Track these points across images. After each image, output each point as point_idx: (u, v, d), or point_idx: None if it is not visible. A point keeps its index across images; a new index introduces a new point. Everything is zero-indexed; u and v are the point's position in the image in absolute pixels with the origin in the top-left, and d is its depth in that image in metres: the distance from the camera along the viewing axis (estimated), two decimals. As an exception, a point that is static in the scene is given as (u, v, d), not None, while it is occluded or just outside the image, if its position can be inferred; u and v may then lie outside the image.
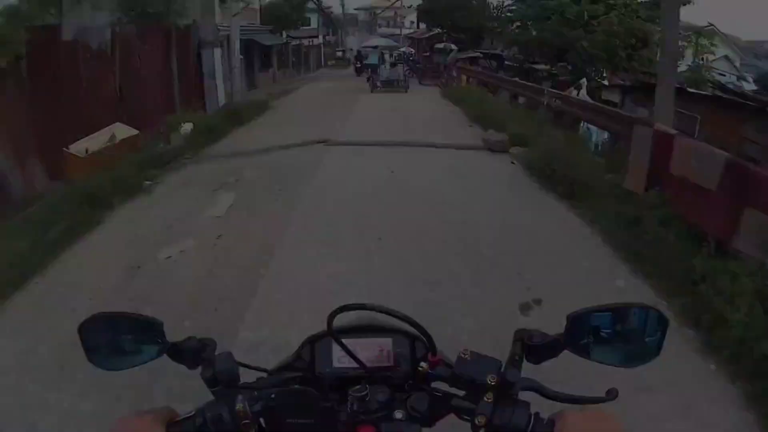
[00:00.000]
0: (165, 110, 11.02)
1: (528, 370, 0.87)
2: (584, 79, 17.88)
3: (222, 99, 14.94)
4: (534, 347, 0.91)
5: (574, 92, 16.76)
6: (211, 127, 10.13)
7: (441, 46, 23.30)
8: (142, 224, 5.49)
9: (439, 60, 23.59)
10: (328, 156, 8.15)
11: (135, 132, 8.72)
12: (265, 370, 1.01)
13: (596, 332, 0.88)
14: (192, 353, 0.94)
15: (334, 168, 7.50)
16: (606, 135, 13.09)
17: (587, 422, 0.78)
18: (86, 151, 7.80)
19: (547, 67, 22.67)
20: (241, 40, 18.27)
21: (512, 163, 7.71)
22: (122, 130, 8.59)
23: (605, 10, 20.62)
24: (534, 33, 20.67)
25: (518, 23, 26.15)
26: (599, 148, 12.99)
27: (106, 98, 9.34)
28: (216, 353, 0.94)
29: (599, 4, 20.78)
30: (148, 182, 7.00)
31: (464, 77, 18.54)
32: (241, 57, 14.87)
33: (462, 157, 8.08)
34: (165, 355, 0.93)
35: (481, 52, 26.32)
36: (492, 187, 6.61)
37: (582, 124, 13.52)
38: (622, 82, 21.10)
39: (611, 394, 0.84)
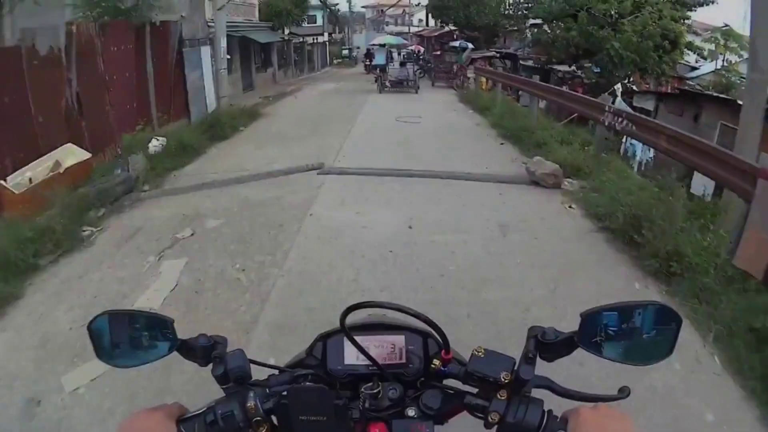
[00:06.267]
0: (137, 121, 9.34)
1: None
2: (618, 85, 16.04)
3: (213, 104, 13.27)
4: (547, 344, 0.88)
5: (609, 100, 14.94)
6: (185, 143, 8.43)
7: (456, 44, 21.22)
8: (58, 317, 3.78)
9: (452, 59, 21.75)
10: (322, 193, 6.11)
11: (86, 155, 7.07)
12: (277, 368, 0.98)
13: (609, 330, 0.86)
14: (203, 351, 0.92)
15: (328, 218, 5.36)
16: (652, 153, 11.28)
17: (600, 420, 0.77)
18: (30, 181, 6.26)
19: (570, 68, 20.90)
20: (233, 37, 16.68)
21: (570, 207, 5.74)
22: (72, 153, 6.95)
23: (633, 8, 18.86)
24: (558, 32, 18.82)
25: (538, 20, 24.41)
26: (643, 167, 11.24)
27: (59, 111, 7.60)
28: (227, 350, 0.92)
29: (627, 1, 19.01)
30: (86, 231, 5.33)
31: (483, 80, 16.65)
32: (228, 57, 13.09)
33: (504, 199, 5.94)
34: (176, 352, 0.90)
35: (496, 52, 24.51)
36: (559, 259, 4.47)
37: (625, 141, 11.72)
38: (654, 88, 19.37)
39: (624, 393, 0.85)
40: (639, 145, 10.90)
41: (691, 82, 21.14)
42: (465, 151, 8.30)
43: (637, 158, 11.25)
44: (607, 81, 18.33)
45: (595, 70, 19.09)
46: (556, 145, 7.69)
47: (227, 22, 16.19)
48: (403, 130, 10.20)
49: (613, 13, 18.59)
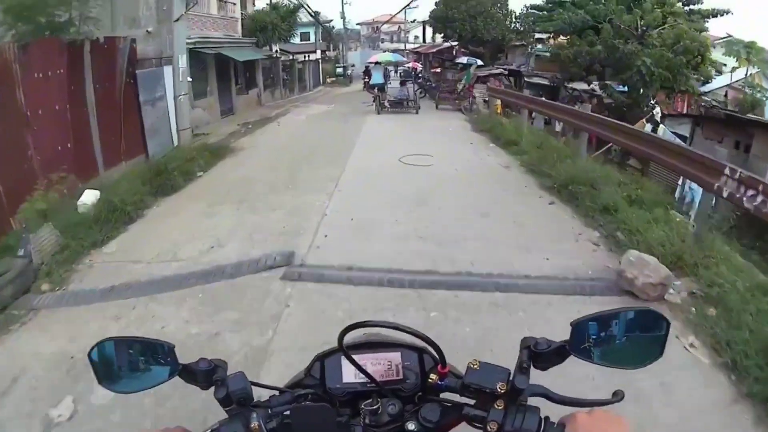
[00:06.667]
0: (75, 165, 7.11)
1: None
2: (657, 109, 13.79)
3: (178, 135, 10.98)
4: (540, 354, 0.90)
5: (647, 126, 12.67)
6: (116, 203, 6.07)
7: (463, 60, 18.85)
8: None
9: (454, 77, 19.57)
10: (283, 331, 3.52)
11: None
12: (277, 389, 1.00)
13: (600, 337, 0.88)
14: (204, 375, 0.93)
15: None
16: (713, 200, 9.19)
17: (596, 424, 0.78)
18: None
19: (588, 87, 18.74)
20: (207, 55, 14.43)
21: (691, 347, 3.41)
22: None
23: (661, 20, 16.78)
24: (579, 46, 16.64)
25: (543, 35, 22.41)
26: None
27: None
28: (228, 373, 0.93)
29: (655, 11, 16.93)
30: None
31: (499, 103, 14.30)
32: (190, 79, 10.77)
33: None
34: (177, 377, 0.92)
35: (504, 69, 22.39)
36: None
37: (682, 183, 9.50)
38: (674, 109, 17.16)
39: (618, 396, 0.87)
40: (699, 191, 8.72)
41: (706, 98, 19.13)
42: (504, 218, 5.78)
43: (696, 207, 9.06)
44: (633, 101, 16.15)
45: (619, 89, 16.94)
46: (629, 209, 5.36)
47: (200, 37, 14.02)
48: (410, 179, 7.48)
49: (639, 24, 16.50)
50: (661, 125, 12.57)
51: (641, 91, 15.94)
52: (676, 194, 9.49)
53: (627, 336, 0.88)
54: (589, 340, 0.87)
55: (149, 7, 11.20)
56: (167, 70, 10.29)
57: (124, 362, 0.91)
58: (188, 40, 12.87)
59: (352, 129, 12.48)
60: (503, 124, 10.92)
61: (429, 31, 37.02)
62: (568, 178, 6.39)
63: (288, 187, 7.06)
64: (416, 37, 45.03)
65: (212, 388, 0.90)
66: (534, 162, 7.73)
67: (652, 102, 16.37)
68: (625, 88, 16.72)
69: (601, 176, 6.35)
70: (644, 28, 16.13)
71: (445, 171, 7.93)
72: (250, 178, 7.74)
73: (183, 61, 9.91)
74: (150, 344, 0.92)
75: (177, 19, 9.67)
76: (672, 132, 14.94)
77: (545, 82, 20.87)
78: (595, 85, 18.26)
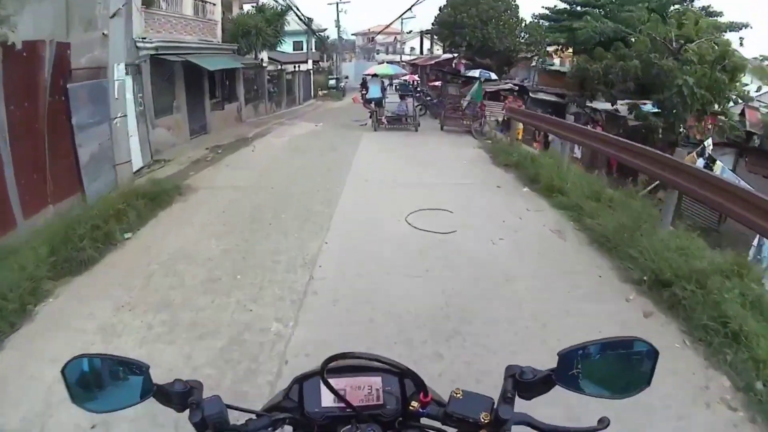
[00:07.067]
0: None
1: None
2: (709, 140, 11.62)
3: (139, 162, 8.76)
4: (525, 383, 0.87)
5: (699, 161, 10.50)
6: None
7: (475, 73, 16.51)
8: None
9: (457, 92, 17.37)
10: None
11: None
12: (254, 412, 0.95)
13: (587, 366, 0.85)
14: (179, 397, 0.89)
15: None
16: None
17: None
18: None
19: (611, 107, 16.63)
20: (174, 63, 12.13)
21: None
22: None
23: (694, 33, 14.76)
24: (609, 59, 14.51)
25: (554, 47, 20.46)
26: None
27: None
28: (203, 396, 0.89)
29: (691, 22, 14.91)
30: None
31: (521, 127, 12.05)
32: (130, 96, 8.48)
33: None
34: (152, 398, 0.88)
35: (514, 84, 20.31)
36: None
37: (758, 242, 7.49)
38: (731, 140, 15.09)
39: (603, 423, 0.82)
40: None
41: (723, 119, 17.18)
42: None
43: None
44: (669, 125, 14.01)
45: (647, 109, 14.83)
46: (755, 325, 3.32)
47: (164, 41, 11.71)
48: (429, 268, 4.74)
49: (673, 38, 14.42)
50: (717, 161, 10.39)
51: (674, 112, 13.81)
52: (750, 255, 7.56)
53: (614, 366, 0.85)
54: (576, 369, 0.84)
55: (107, 6, 9.01)
56: (120, 85, 8.03)
57: (99, 381, 0.89)
58: (148, 44, 10.71)
59: (342, 158, 10.15)
60: (535, 158, 8.57)
61: (426, 42, 35.16)
62: (665, 269, 4.10)
63: (235, 280, 4.50)
64: (412, 48, 43.45)
65: (187, 411, 0.86)
66: (597, 227, 5.41)
67: (683, 129, 14.31)
68: (655, 109, 14.65)
69: (709, 270, 4.03)
70: (681, 42, 14.04)
71: (478, 247, 5.33)
72: (186, 252, 5.23)
73: (120, 71, 7.59)
74: (125, 363, 0.89)
75: (113, 15, 7.38)
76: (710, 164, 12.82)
77: (551, 98, 18.95)
78: (619, 105, 16.18)
